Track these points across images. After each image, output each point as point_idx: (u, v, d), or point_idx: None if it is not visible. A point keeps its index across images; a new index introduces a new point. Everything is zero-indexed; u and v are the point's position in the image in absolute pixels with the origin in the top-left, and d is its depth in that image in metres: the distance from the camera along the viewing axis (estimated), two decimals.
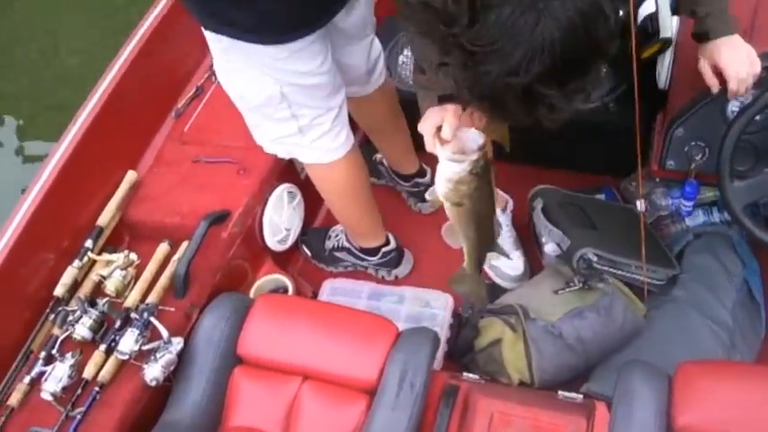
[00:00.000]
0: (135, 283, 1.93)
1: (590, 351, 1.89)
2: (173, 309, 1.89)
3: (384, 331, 1.76)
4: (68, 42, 4.14)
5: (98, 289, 1.94)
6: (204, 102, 2.40)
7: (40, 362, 1.77)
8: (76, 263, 1.96)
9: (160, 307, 1.87)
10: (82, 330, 1.80)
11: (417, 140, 2.33)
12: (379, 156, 2.52)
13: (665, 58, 2.06)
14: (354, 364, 1.72)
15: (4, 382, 1.79)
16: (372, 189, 2.22)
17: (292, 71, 1.72)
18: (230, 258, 2.09)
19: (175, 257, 1.99)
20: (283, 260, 2.37)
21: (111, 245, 2.09)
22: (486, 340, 1.98)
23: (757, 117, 1.74)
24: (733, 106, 1.82)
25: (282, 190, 2.27)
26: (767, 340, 2.02)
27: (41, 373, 1.74)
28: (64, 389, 1.70)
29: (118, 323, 1.82)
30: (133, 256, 1.97)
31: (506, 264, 2.24)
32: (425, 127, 1.40)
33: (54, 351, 1.79)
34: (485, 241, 1.50)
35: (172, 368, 1.74)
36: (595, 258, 1.95)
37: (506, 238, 2.27)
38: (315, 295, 2.36)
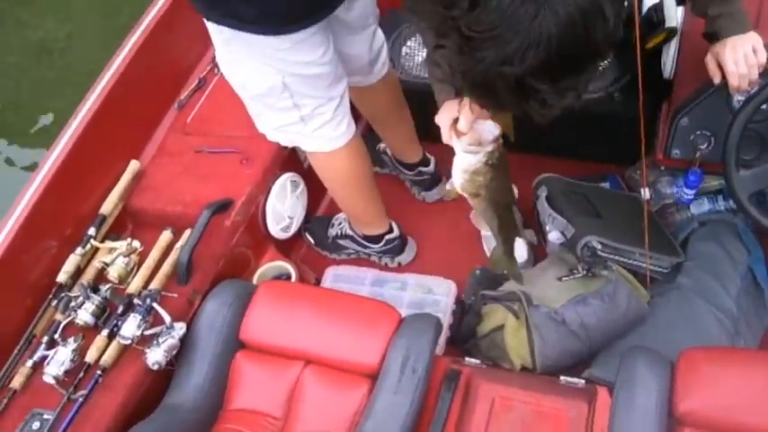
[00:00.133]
0: (138, 270, 1.94)
1: (593, 338, 1.88)
2: (175, 295, 1.89)
3: (387, 317, 1.76)
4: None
5: (101, 276, 1.95)
6: (207, 93, 2.41)
7: (43, 346, 1.78)
8: (79, 250, 1.97)
9: (163, 293, 1.87)
10: (84, 316, 1.81)
11: (420, 130, 2.37)
12: (382, 145, 2.52)
13: (670, 48, 2.06)
14: (357, 348, 1.72)
15: (7, 365, 1.79)
16: (376, 178, 2.22)
17: (294, 62, 1.72)
18: (233, 246, 2.09)
19: (178, 245, 1.99)
20: (286, 248, 2.37)
21: (114, 233, 2.10)
22: (489, 326, 1.98)
23: (763, 106, 1.73)
24: (739, 95, 1.81)
25: (286, 179, 2.27)
26: None
27: (44, 357, 1.75)
28: (66, 372, 1.71)
29: (120, 309, 1.82)
30: (136, 243, 1.98)
31: None
32: (442, 119, 1.41)
33: (56, 336, 1.80)
34: (506, 229, 1.53)
35: (174, 353, 1.75)
36: (599, 246, 1.95)
37: None
38: (318, 282, 2.36)
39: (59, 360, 1.70)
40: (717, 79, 1.75)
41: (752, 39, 1.68)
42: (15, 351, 1.81)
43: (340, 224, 2.40)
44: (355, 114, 2.03)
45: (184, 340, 1.77)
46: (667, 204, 2.17)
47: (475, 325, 2.01)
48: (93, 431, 1.65)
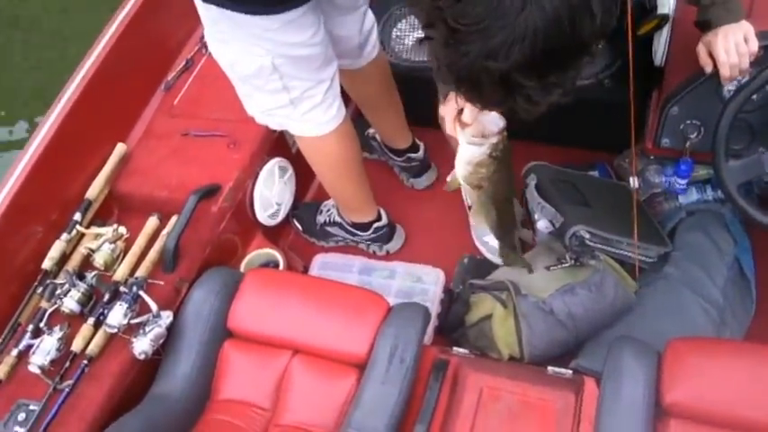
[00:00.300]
0: (124, 257, 1.92)
1: (580, 327, 1.89)
2: (162, 283, 1.88)
3: (375, 306, 1.76)
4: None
5: (87, 262, 1.93)
6: (194, 75, 2.38)
7: (28, 335, 1.77)
8: (65, 236, 1.95)
9: (149, 281, 1.86)
10: (70, 303, 1.79)
11: (410, 115, 2.36)
12: (371, 130, 2.50)
13: (661, 35, 2.04)
14: (345, 338, 1.72)
15: None
16: (364, 164, 2.20)
17: (283, 42, 1.70)
18: (220, 233, 2.08)
19: (165, 231, 1.97)
20: (274, 234, 2.36)
21: (100, 218, 2.08)
22: (477, 315, 1.98)
23: (754, 96, 1.72)
24: (729, 85, 1.81)
25: (274, 164, 2.25)
26: (757, 317, 2.02)
27: (29, 346, 1.73)
28: (52, 362, 1.69)
29: (106, 297, 1.81)
30: (122, 229, 1.96)
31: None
32: (447, 110, 1.40)
33: (42, 324, 1.78)
34: (506, 223, 1.53)
35: (161, 342, 1.73)
36: (588, 236, 1.95)
37: None
38: (306, 270, 2.35)
39: (45, 349, 1.69)
40: (708, 69, 1.75)
41: (744, 28, 1.67)
42: (0, 340, 1.79)
43: (328, 211, 2.39)
44: (345, 99, 2.01)
45: (171, 329, 1.76)
46: (656, 193, 2.17)
47: (463, 314, 2.02)
48: (79, 422, 1.64)
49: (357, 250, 2.42)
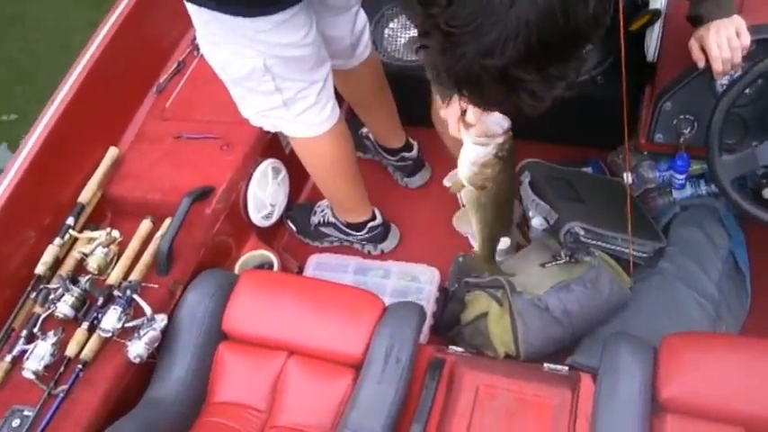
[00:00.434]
0: (117, 261, 1.91)
1: (576, 324, 1.89)
2: (156, 286, 1.87)
3: (370, 306, 1.75)
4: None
5: (80, 267, 1.93)
6: (186, 77, 2.38)
7: (22, 340, 1.76)
8: (58, 240, 1.94)
9: (143, 284, 1.85)
10: (64, 308, 1.78)
11: (404, 114, 2.35)
12: (365, 130, 2.49)
13: (653, 31, 2.04)
14: (340, 338, 1.71)
15: None
16: (358, 163, 2.20)
17: (275, 43, 1.69)
18: (214, 234, 2.07)
19: (158, 234, 1.97)
20: (268, 236, 2.35)
21: (93, 222, 2.07)
22: (473, 314, 1.98)
23: (747, 90, 1.72)
24: (722, 80, 1.81)
25: (267, 165, 2.25)
26: (752, 311, 2.02)
27: (23, 352, 1.73)
28: (46, 367, 1.69)
29: (100, 301, 1.80)
30: (115, 233, 1.96)
31: None
32: (450, 111, 1.39)
33: (36, 329, 1.77)
34: (503, 225, 1.51)
35: (155, 345, 1.73)
36: (582, 232, 1.94)
37: None
38: (300, 270, 2.35)
39: (39, 354, 1.68)
40: (701, 64, 1.74)
41: (735, 22, 1.67)
42: None
43: (322, 211, 2.39)
44: (338, 98, 2.01)
45: (166, 332, 1.76)
46: (649, 189, 2.18)
47: (458, 312, 2.02)
48: (74, 427, 1.64)
49: (352, 250, 2.42)
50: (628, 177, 2.11)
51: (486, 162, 1.30)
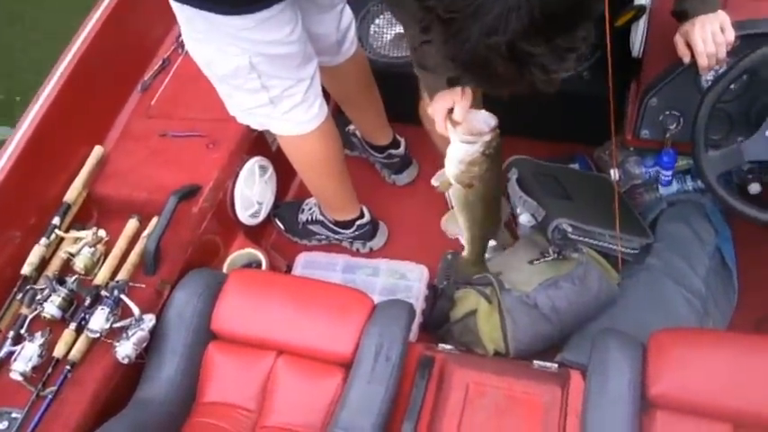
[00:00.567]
0: (104, 260, 1.90)
1: (565, 321, 1.90)
2: (143, 285, 1.86)
3: (359, 304, 1.75)
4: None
5: (67, 267, 1.91)
6: (171, 74, 2.36)
7: (9, 342, 1.75)
8: (44, 240, 1.92)
9: (131, 284, 1.84)
10: (51, 309, 1.77)
11: (390, 111, 2.35)
12: (351, 127, 2.49)
13: (639, 26, 2.05)
14: (330, 337, 1.71)
15: None
16: (345, 161, 2.19)
17: (260, 41, 1.68)
18: (201, 233, 2.06)
19: (145, 233, 1.96)
20: (256, 234, 2.34)
21: (79, 221, 2.05)
22: (462, 311, 1.98)
23: (732, 86, 1.73)
24: (707, 75, 1.82)
25: (254, 163, 2.24)
26: (739, 307, 2.04)
27: (10, 353, 1.71)
28: (34, 368, 1.67)
29: (88, 301, 1.79)
30: (102, 232, 1.94)
31: None
32: (437, 109, 1.38)
33: (23, 330, 1.76)
34: (491, 224, 1.51)
35: (144, 345, 1.72)
36: (570, 229, 1.95)
37: None
38: (289, 269, 2.34)
39: (26, 356, 1.67)
40: (686, 59, 1.75)
41: (720, 17, 1.68)
42: None
43: (310, 209, 2.38)
44: (324, 95, 1.99)
45: (154, 332, 1.75)
46: (636, 185, 2.18)
47: (448, 310, 2.02)
48: (63, 428, 1.63)
49: (340, 248, 2.41)
50: (614, 173, 2.12)
51: (474, 160, 1.30)
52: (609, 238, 1.96)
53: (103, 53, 2.20)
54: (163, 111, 2.27)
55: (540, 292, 1.89)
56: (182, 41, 2.12)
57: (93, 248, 1.90)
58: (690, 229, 2.03)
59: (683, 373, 1.53)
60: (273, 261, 2.29)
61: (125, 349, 1.69)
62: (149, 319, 1.74)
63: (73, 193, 2.03)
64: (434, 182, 1.43)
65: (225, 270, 2.15)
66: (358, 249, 2.40)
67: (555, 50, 1.00)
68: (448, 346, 1.83)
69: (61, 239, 1.97)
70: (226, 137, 2.14)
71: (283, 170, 2.31)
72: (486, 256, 2.20)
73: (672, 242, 2.02)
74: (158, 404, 1.69)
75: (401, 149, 2.45)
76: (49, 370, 1.70)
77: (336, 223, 2.33)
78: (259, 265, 2.20)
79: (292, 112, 1.89)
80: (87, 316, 1.74)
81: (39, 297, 1.80)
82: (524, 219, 2.09)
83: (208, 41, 1.72)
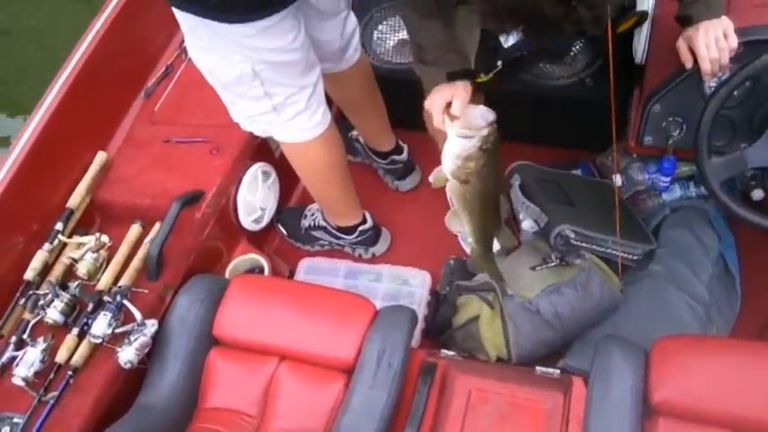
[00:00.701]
0: (107, 266, 1.90)
1: (567, 327, 1.89)
2: (146, 291, 1.86)
3: (361, 310, 1.75)
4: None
5: (69, 272, 1.92)
6: (174, 80, 2.37)
7: (11, 347, 1.75)
8: (47, 246, 1.93)
9: (133, 289, 1.84)
10: (53, 314, 1.77)
11: (393, 117, 2.35)
12: (354, 133, 2.49)
13: (641, 32, 2.05)
14: (332, 343, 1.71)
15: None
16: (348, 166, 2.19)
17: (263, 48, 1.69)
18: (204, 239, 2.07)
19: (148, 239, 1.96)
20: (259, 240, 2.35)
21: (82, 227, 2.06)
22: (464, 317, 1.98)
23: (735, 92, 1.73)
24: (710, 81, 1.82)
25: (257, 169, 2.24)
26: (742, 313, 2.03)
27: (12, 359, 1.72)
28: (36, 374, 1.68)
29: (90, 306, 1.79)
30: (105, 238, 1.94)
31: None
32: (434, 103, 1.37)
33: (25, 336, 1.76)
34: (490, 220, 1.50)
35: (146, 351, 1.72)
36: (573, 235, 1.95)
37: None
38: (291, 274, 2.34)
39: (29, 361, 1.67)
40: (689, 64, 1.75)
41: (723, 23, 1.68)
42: None
43: (313, 215, 2.38)
44: (327, 101, 2.00)
45: (156, 338, 1.75)
46: (639, 191, 2.18)
47: (450, 316, 2.01)
48: None
49: (343, 254, 2.41)
50: (617, 179, 2.12)
51: (470, 155, 1.29)
52: (611, 245, 1.96)
53: (107, 59, 2.21)
54: (166, 117, 2.28)
55: (543, 298, 1.88)
56: (185, 48, 2.13)
57: (95, 254, 1.90)
58: (693, 236, 2.03)
59: (685, 379, 1.53)
60: (276, 266, 2.29)
61: (127, 355, 1.69)
62: (152, 325, 1.74)
63: (76, 198, 2.04)
64: (431, 178, 1.43)
65: (227, 275, 2.15)
66: (360, 255, 2.40)
67: None
68: (450, 352, 1.82)
69: (64, 245, 1.97)
70: (229, 143, 2.15)
71: (286, 176, 2.32)
72: None
73: (675, 248, 2.02)
74: (160, 410, 1.69)
75: (404, 155, 2.45)
76: (52, 375, 1.70)
77: (339, 229, 2.33)
78: (262, 270, 2.20)
79: (295, 119, 1.89)
80: (90, 321, 1.75)
81: (41, 302, 1.80)
82: (527, 225, 2.08)
83: (211, 49, 1.73)
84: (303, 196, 2.49)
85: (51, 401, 1.67)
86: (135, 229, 1.99)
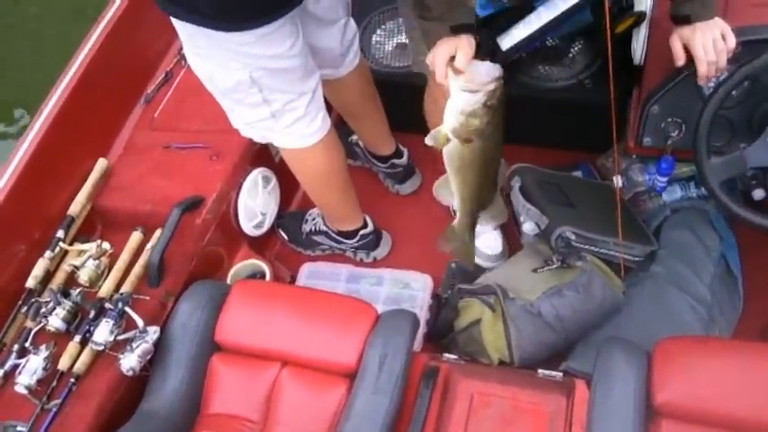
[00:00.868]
0: (108, 273, 1.90)
1: (569, 329, 1.89)
2: (148, 297, 1.86)
3: (363, 314, 1.74)
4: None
5: (71, 279, 1.92)
6: (174, 87, 2.38)
7: (14, 355, 1.75)
8: (48, 253, 1.93)
9: (135, 296, 1.84)
10: (55, 322, 1.77)
11: (393, 121, 2.35)
12: (354, 137, 2.49)
13: (639, 33, 2.05)
14: (334, 348, 1.71)
15: None
16: (348, 171, 2.19)
17: (260, 55, 1.69)
18: (205, 245, 2.07)
19: (149, 245, 1.96)
20: (260, 245, 2.35)
21: (84, 234, 2.06)
22: (466, 321, 1.98)
23: (734, 92, 1.73)
24: (709, 82, 1.81)
25: (257, 174, 2.24)
26: (744, 314, 2.03)
27: (15, 366, 1.71)
28: (39, 381, 1.68)
29: (92, 313, 1.79)
30: (106, 245, 1.94)
31: (484, 243, 2.24)
32: (438, 55, 1.35)
33: (27, 343, 1.76)
34: (486, 189, 1.43)
35: (148, 357, 1.72)
36: (574, 237, 1.95)
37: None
38: (293, 279, 2.34)
39: (31, 369, 1.67)
40: (681, 61, 1.72)
41: (720, 24, 1.67)
42: None
43: (314, 219, 2.38)
44: (327, 106, 2.00)
45: (158, 344, 1.75)
46: (639, 192, 2.18)
47: (452, 320, 2.01)
48: None
49: (344, 258, 2.41)
50: (617, 181, 2.12)
51: (474, 111, 1.24)
52: (613, 246, 1.96)
53: (106, 66, 2.21)
54: (166, 123, 2.28)
55: (544, 300, 1.88)
56: (184, 54, 2.13)
57: (97, 261, 1.90)
58: (694, 236, 2.03)
59: (688, 381, 1.53)
60: (277, 272, 2.29)
61: (129, 362, 1.69)
62: (153, 332, 1.74)
63: (77, 205, 2.04)
64: (428, 140, 1.37)
65: (229, 281, 2.15)
66: (362, 259, 2.40)
67: None
68: (452, 356, 1.82)
69: (65, 252, 1.97)
70: (229, 148, 2.15)
71: (287, 181, 2.32)
72: (490, 264, 2.22)
73: (676, 249, 2.01)
74: (163, 416, 1.69)
75: (404, 159, 2.45)
76: (54, 383, 1.70)
77: (340, 233, 2.33)
78: (263, 275, 2.20)
79: (294, 125, 1.89)
80: (92, 328, 1.75)
81: (43, 310, 1.80)
82: (528, 227, 2.09)
83: (209, 57, 1.73)
84: (304, 201, 2.49)
85: (54, 409, 1.67)
86: (136, 236, 1.99)
